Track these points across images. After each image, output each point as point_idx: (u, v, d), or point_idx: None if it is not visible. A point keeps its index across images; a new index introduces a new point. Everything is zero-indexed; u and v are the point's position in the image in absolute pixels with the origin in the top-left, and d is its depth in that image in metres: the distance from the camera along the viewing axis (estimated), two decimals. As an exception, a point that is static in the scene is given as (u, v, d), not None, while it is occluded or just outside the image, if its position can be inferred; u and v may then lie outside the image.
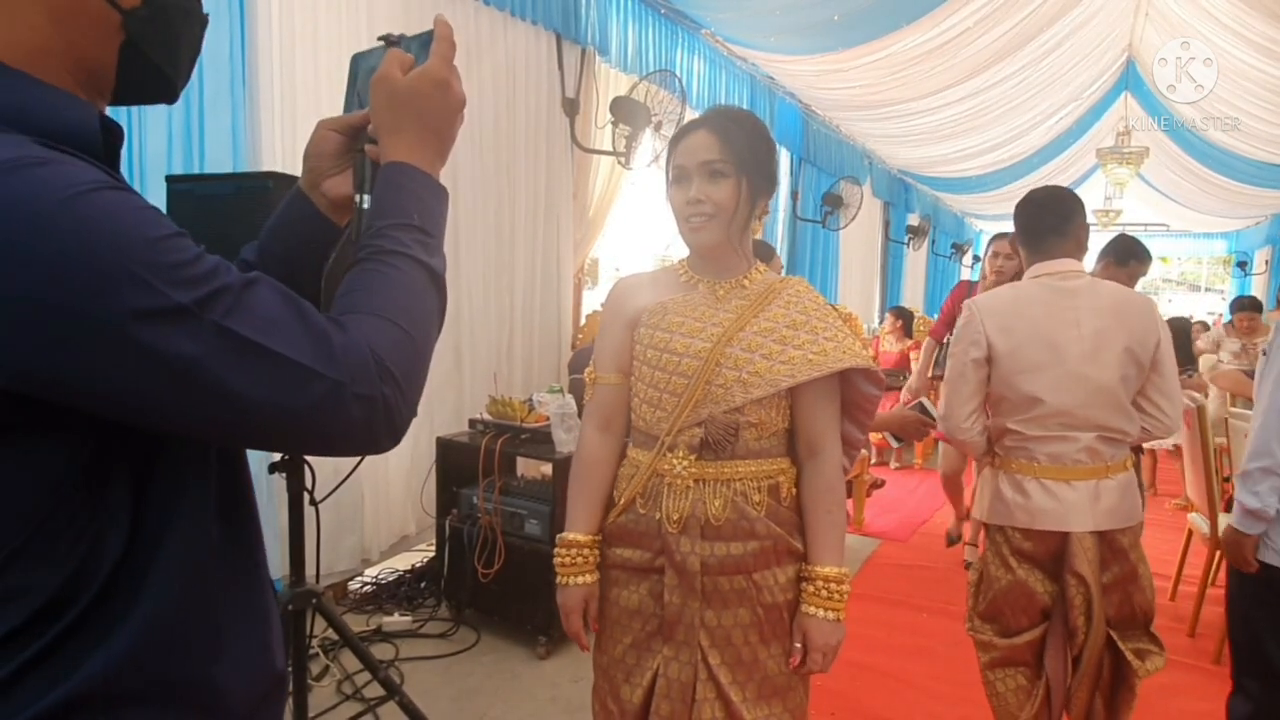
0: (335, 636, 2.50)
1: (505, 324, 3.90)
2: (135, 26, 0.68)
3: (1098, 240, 2.76)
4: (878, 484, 5.07)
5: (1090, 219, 2.15)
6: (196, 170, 2.52)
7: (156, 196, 1.91)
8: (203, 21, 0.75)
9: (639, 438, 1.42)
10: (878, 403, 1.44)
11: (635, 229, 6.16)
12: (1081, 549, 1.87)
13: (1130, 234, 3.25)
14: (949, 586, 3.66)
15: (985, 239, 15.54)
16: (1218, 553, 3.17)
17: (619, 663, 1.40)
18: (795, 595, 1.37)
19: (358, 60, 0.90)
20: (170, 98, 0.75)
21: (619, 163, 4.28)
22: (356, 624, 2.99)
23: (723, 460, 1.33)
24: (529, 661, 2.83)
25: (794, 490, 1.39)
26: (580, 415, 2.93)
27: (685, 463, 1.33)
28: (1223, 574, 3.19)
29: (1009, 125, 7.61)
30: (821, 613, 1.32)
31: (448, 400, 3.55)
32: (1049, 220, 2.03)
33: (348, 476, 2.32)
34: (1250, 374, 2.95)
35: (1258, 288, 12.46)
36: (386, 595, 3.25)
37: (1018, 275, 2.48)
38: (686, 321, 1.37)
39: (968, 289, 4.08)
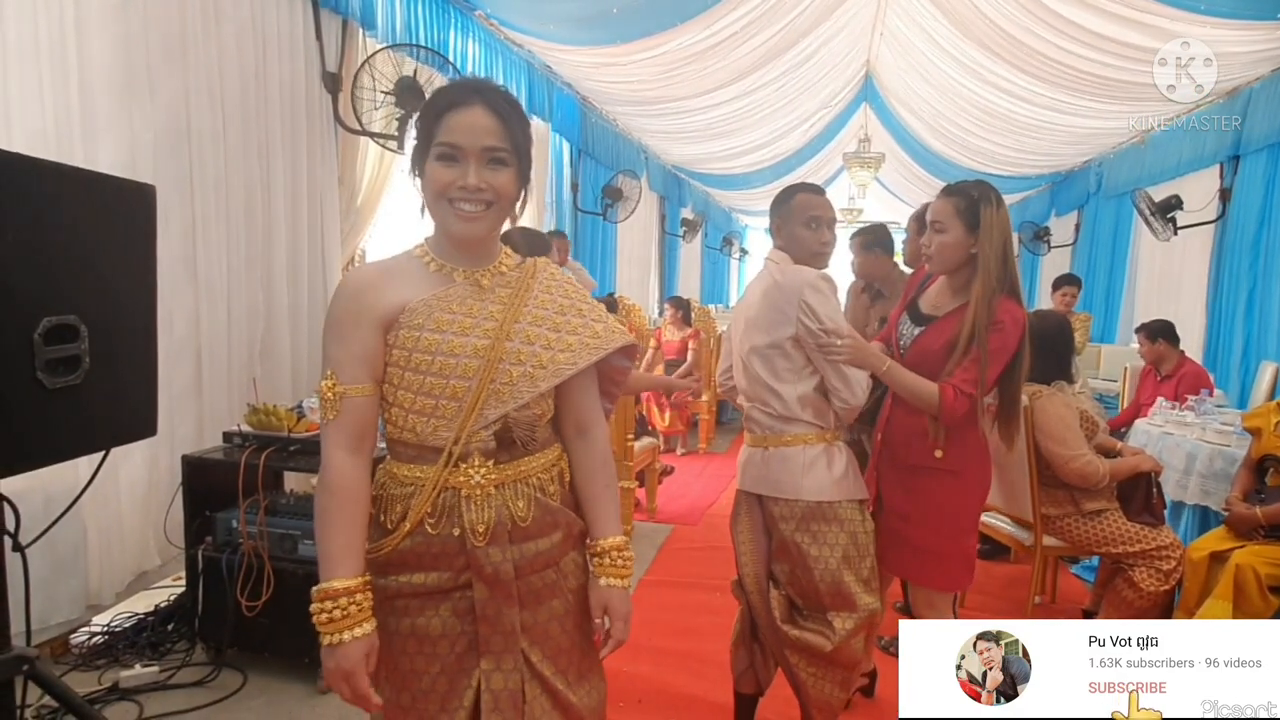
0: (55, 704, 2.06)
1: (262, 323, 3.45)
2: None
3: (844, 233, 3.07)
4: (667, 471, 5.20)
5: (839, 217, 2.40)
6: None
7: None
8: None
9: (408, 452, 1.26)
10: (628, 374, 1.47)
11: (409, 221, 5.80)
12: (741, 503, 2.20)
13: (874, 225, 3.56)
14: (738, 565, 3.82)
15: (750, 233, 16.71)
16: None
17: (428, 694, 1.26)
18: (586, 571, 1.39)
19: None
20: None
21: (383, 146, 3.97)
22: (85, 684, 2.50)
23: (518, 459, 1.28)
24: (308, 699, 2.52)
25: (568, 472, 1.39)
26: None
27: (483, 470, 1.24)
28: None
29: (770, 127, 8.17)
30: (619, 582, 1.36)
31: (190, 413, 3.08)
32: (772, 219, 2.23)
33: (64, 513, 1.91)
34: None
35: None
36: (124, 645, 2.74)
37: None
38: (457, 318, 1.24)
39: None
